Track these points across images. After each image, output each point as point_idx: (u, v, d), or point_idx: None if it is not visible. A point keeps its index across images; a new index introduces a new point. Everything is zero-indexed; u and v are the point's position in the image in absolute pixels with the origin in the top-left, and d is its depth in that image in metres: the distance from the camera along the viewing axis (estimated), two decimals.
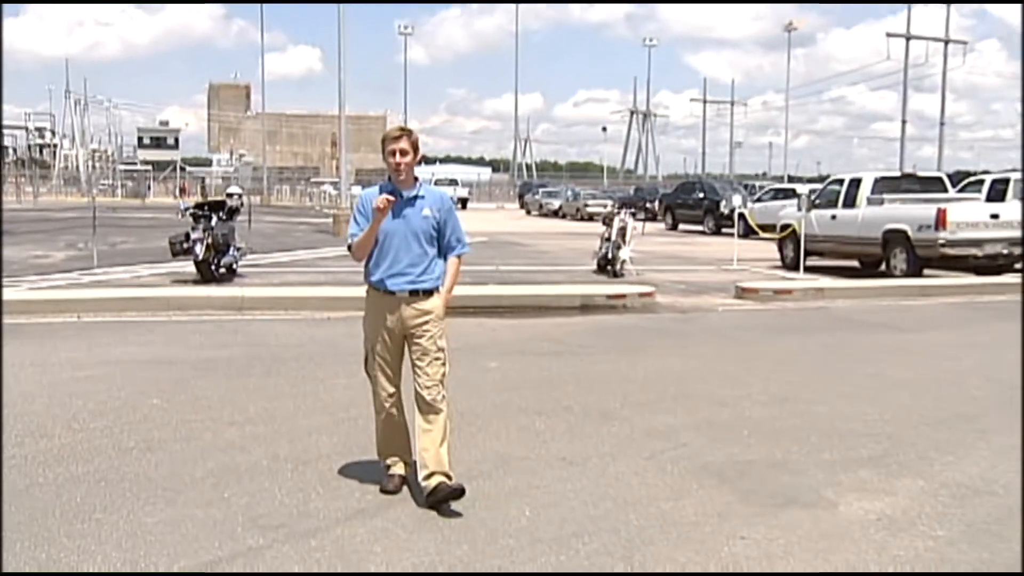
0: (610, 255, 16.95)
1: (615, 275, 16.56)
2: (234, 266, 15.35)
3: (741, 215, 22.50)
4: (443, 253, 4.98)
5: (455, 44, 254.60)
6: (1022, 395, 7.10)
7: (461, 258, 5.05)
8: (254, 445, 5.82)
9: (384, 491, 4.95)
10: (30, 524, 4.43)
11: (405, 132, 4.86)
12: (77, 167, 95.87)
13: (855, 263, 18.44)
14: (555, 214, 48.80)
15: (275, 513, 4.66)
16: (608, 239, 17.27)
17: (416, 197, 4.88)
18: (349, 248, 4.99)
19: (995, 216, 16.29)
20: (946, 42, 56.27)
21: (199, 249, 14.21)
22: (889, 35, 57.03)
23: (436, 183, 42.24)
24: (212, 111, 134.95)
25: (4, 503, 4.63)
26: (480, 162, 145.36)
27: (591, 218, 40.15)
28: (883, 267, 17.14)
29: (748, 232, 23.65)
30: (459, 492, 4.67)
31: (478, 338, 9.73)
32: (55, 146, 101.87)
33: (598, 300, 12.87)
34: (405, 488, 4.98)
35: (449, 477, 4.72)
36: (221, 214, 15.16)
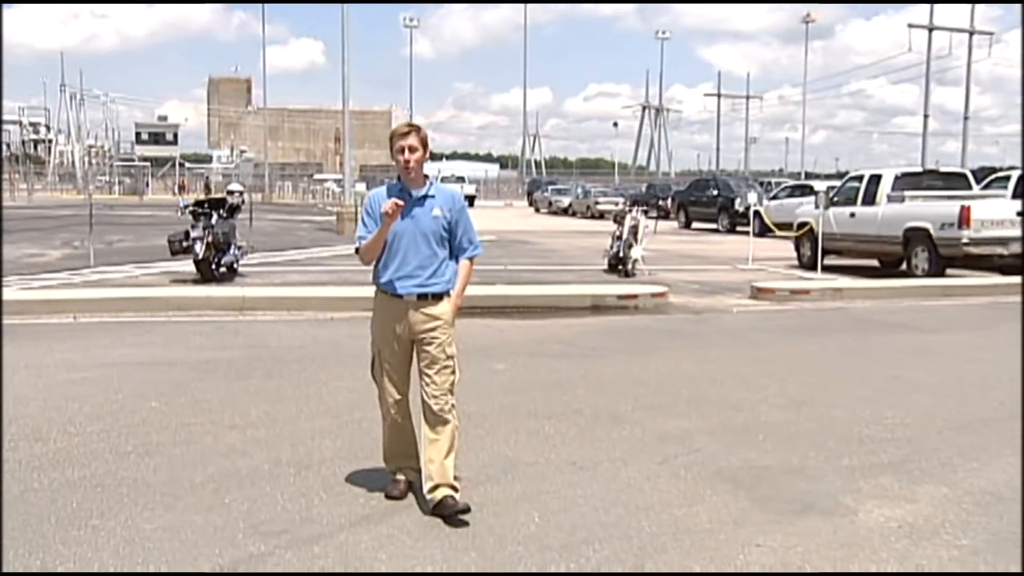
0: (621, 254, 16.95)
1: (627, 275, 16.56)
2: (235, 265, 15.39)
3: (756, 213, 22.45)
4: (454, 255, 4.91)
5: (462, 37, 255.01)
6: (1022, 398, 7.11)
7: (473, 260, 4.98)
8: (255, 449, 5.83)
9: (389, 497, 4.95)
10: (24, 530, 4.45)
11: (414, 128, 4.80)
12: (73, 163, 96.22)
13: (875, 262, 18.39)
14: (565, 212, 48.85)
15: (277, 519, 4.66)
16: (619, 238, 17.27)
17: (426, 196, 4.80)
18: (357, 251, 4.92)
19: (1021, 214, 16.22)
20: (971, 33, 56.02)
21: (199, 248, 14.24)
22: (911, 26, 56.77)
23: (442, 180, 42.35)
24: (212, 106, 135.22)
25: None
26: (488, 158, 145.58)
27: (602, 216, 40.18)
28: (904, 267, 17.08)
29: (764, 230, 23.65)
30: (463, 512, 4.62)
31: (486, 339, 9.73)
32: (50, 141, 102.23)
33: (609, 300, 12.87)
34: (411, 494, 4.98)
35: (455, 489, 4.71)
36: (221, 212, 15.19)
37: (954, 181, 18.42)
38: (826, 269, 17.48)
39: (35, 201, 50.22)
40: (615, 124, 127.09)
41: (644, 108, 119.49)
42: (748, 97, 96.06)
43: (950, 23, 57.28)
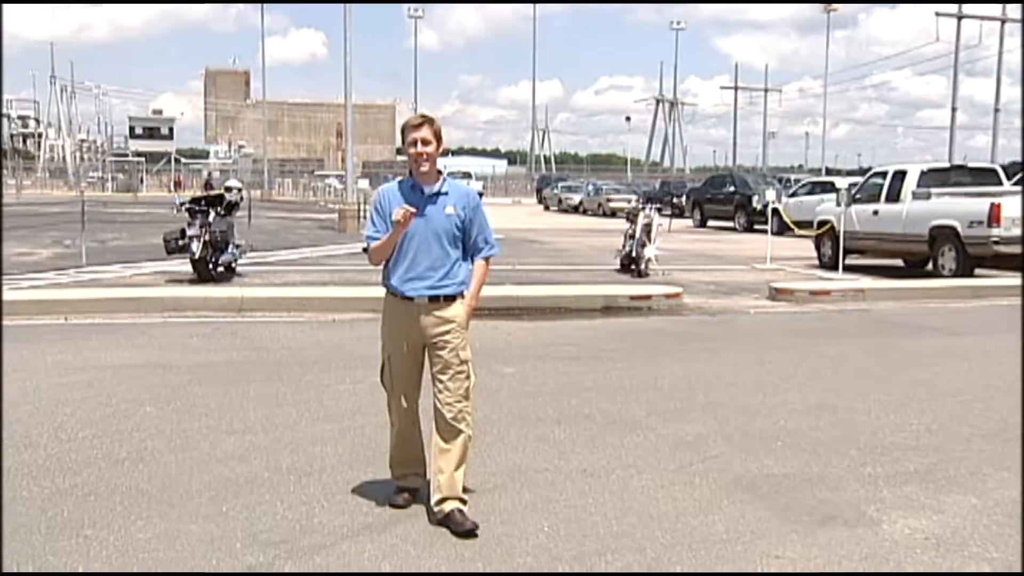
0: (634, 253, 16.96)
1: (640, 275, 16.56)
2: (233, 265, 15.43)
3: (775, 211, 22.45)
4: (469, 254, 4.86)
5: (468, 28, 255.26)
6: (1022, 401, 7.11)
7: (489, 260, 4.93)
8: (254, 456, 5.83)
9: (393, 505, 4.94)
10: (12, 540, 4.45)
11: (427, 120, 4.73)
12: (64, 158, 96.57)
13: (899, 262, 18.35)
14: (575, 210, 48.88)
15: (277, 528, 4.66)
16: (632, 236, 17.28)
17: (439, 193, 4.75)
18: (365, 250, 4.87)
19: None
20: (1002, 21, 55.73)
21: (196, 246, 14.28)
22: (939, 14, 56.50)
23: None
24: (209, 99, 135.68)
25: None
26: (495, 154, 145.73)
27: (614, 214, 40.14)
28: (930, 267, 17.04)
29: (782, 229, 23.61)
30: (471, 531, 4.57)
31: (494, 342, 9.73)
32: (39, 136, 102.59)
33: (621, 301, 12.86)
34: (416, 502, 4.98)
35: (463, 502, 4.71)
36: (219, 209, 15.22)
37: (983, 177, 18.36)
38: (848, 269, 17.44)
39: (24, 198, 50.39)
40: (628, 118, 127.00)
41: (658, 101, 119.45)
42: (766, 90, 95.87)
43: (980, 11, 56.99)
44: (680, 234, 27.18)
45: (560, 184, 57.81)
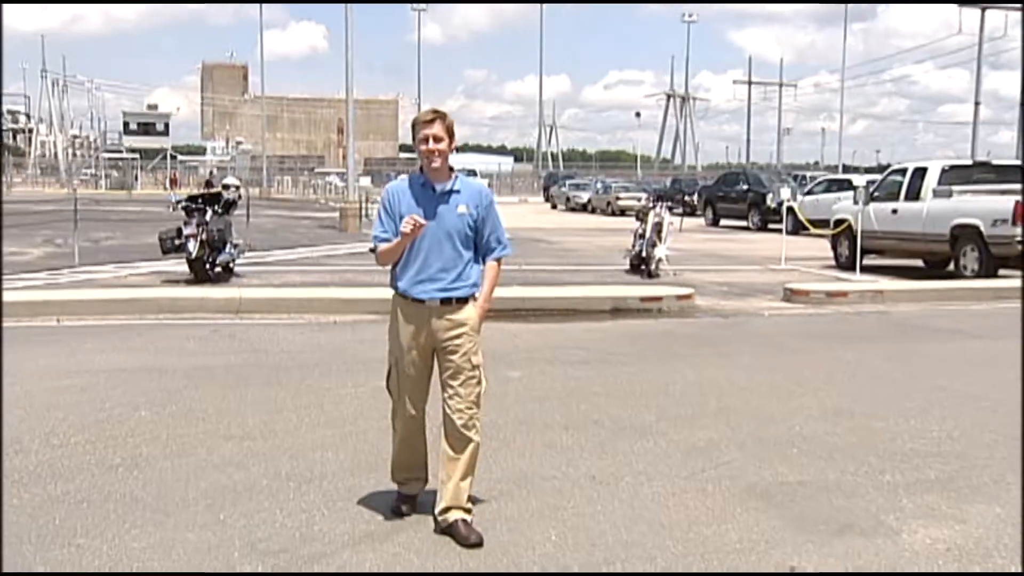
0: (644, 253, 16.95)
1: (650, 275, 16.55)
2: (231, 265, 15.45)
3: (790, 209, 22.41)
4: (481, 254, 4.84)
5: (473, 21, 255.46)
6: (1022, 407, 7.09)
7: (501, 261, 4.91)
8: (253, 462, 5.84)
9: (396, 513, 4.94)
10: (2, 549, 4.46)
11: (439, 115, 4.69)
12: (55, 155, 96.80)
13: (919, 263, 18.32)
14: (583, 208, 48.89)
15: (276, 537, 4.67)
16: (642, 236, 17.27)
17: (451, 192, 4.71)
18: (372, 251, 4.84)
19: None
20: None
21: (192, 246, 14.30)
22: (961, 3, 56.41)
23: None
24: (206, 94, 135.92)
25: None
26: (501, 151, 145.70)
27: (623, 213, 40.20)
28: (951, 267, 17.00)
29: (798, 228, 23.58)
30: (476, 545, 4.56)
31: (499, 345, 9.72)
32: (30, 131, 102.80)
33: (631, 303, 12.86)
34: (419, 510, 4.97)
35: (468, 512, 4.71)
36: (216, 208, 15.25)
37: (1008, 174, 18.26)
38: (865, 270, 17.41)
39: (14, 195, 50.45)
40: (638, 114, 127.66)
41: (669, 97, 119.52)
42: (781, 84, 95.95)
43: (1004, 1, 56.78)
44: (692, 233, 27.16)
45: (568, 182, 57.83)
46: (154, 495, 5.23)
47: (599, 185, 51.28)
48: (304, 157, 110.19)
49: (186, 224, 14.53)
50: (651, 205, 18.39)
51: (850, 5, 75.40)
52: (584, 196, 50.25)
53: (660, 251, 16.89)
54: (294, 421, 6.78)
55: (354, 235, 26.19)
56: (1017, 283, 15.24)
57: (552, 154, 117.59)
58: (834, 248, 19.38)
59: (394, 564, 4.38)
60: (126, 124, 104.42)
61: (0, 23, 26.58)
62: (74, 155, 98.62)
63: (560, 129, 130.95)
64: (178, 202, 15.48)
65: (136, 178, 75.01)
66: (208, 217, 14.75)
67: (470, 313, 4.76)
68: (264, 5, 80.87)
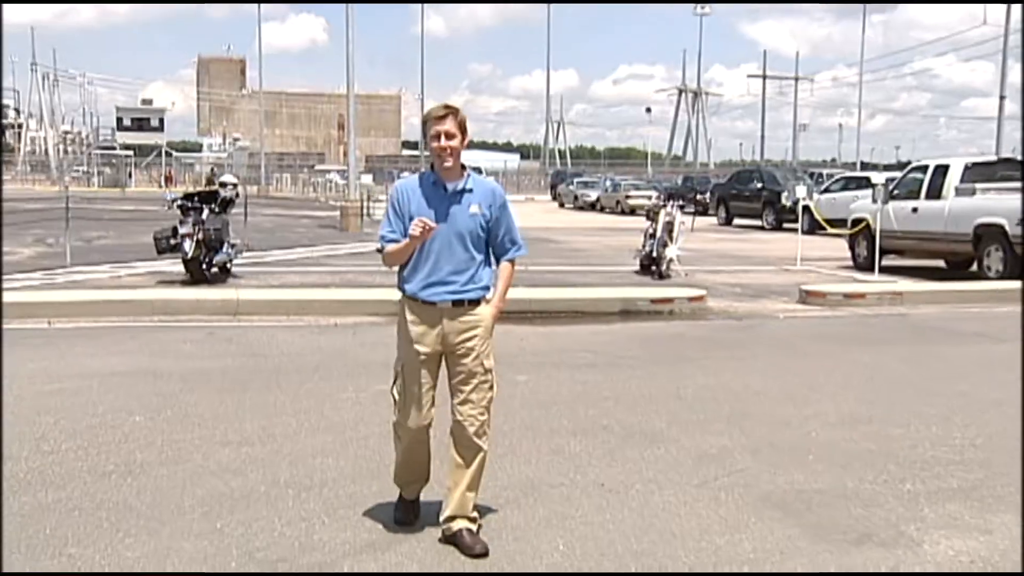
0: (655, 254, 16.95)
1: (660, 276, 16.56)
2: (228, 265, 15.48)
3: (806, 208, 22.39)
4: (496, 255, 4.82)
5: (478, 14, 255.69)
6: (1022, 411, 7.10)
7: (514, 262, 4.89)
8: (250, 468, 5.85)
9: (398, 522, 4.94)
10: None
11: (451, 111, 4.63)
12: (46, 151, 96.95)
13: (940, 263, 18.28)
14: (592, 207, 48.93)
15: (274, 546, 4.67)
16: (652, 235, 17.27)
17: (463, 191, 4.68)
18: (379, 251, 4.78)
19: None
20: None
21: (188, 246, 14.32)
22: None
23: None
24: (202, 88, 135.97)
25: None
26: (507, 148, 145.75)
27: (633, 212, 40.23)
28: (974, 268, 16.96)
29: (814, 227, 23.57)
30: (481, 555, 4.55)
31: (505, 348, 9.67)
32: (19, 127, 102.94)
33: (641, 305, 12.85)
34: (422, 517, 4.97)
35: (473, 521, 4.70)
36: (213, 206, 15.28)
37: None
38: (884, 271, 17.39)
39: (3, 193, 50.55)
40: (648, 109, 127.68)
41: (680, 92, 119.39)
42: (797, 79, 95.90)
43: None
44: (704, 233, 27.15)
45: (576, 180, 57.90)
46: (148, 503, 5.24)
47: (608, 183, 51.29)
48: (304, 154, 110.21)
49: (182, 223, 14.55)
50: (662, 204, 18.39)
51: None
52: (593, 194, 50.29)
53: (671, 251, 16.90)
54: (293, 426, 6.79)
55: (355, 235, 26.22)
56: None
57: (560, 151, 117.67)
58: (852, 248, 19.35)
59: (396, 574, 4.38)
60: (119, 120, 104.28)
61: (0, 23, 26.59)
62: (65, 152, 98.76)
63: (568, 125, 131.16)
64: (174, 200, 15.51)
65: (130, 175, 75.06)
66: (205, 216, 14.77)
67: (482, 315, 4.73)
68: None
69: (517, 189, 74.51)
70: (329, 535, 4.81)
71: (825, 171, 48.37)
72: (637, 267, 17.50)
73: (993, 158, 20.71)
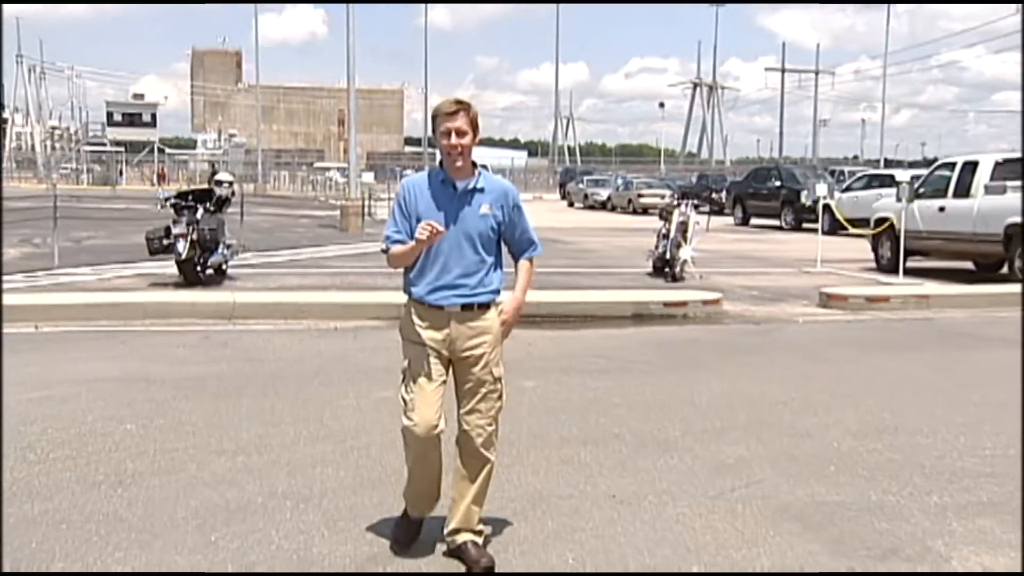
0: (668, 255, 16.94)
1: (674, 279, 16.55)
2: (224, 267, 15.50)
3: (827, 207, 22.35)
4: (513, 255, 4.81)
5: (484, 5, 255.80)
6: (1022, 414, 7.10)
7: (533, 260, 4.88)
8: (247, 479, 5.85)
9: (395, 540, 4.85)
10: None
11: (463, 106, 4.57)
12: (32, 147, 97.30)
13: (969, 265, 18.25)
14: (603, 206, 49.02)
15: (271, 560, 4.68)
16: (666, 236, 17.26)
17: (474, 190, 4.65)
18: (384, 251, 4.74)
19: None
20: None
21: (182, 246, 14.34)
22: None
23: None
24: (196, 82, 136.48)
25: None
26: (514, 144, 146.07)
27: (646, 211, 40.29)
28: (1004, 270, 16.92)
29: (835, 227, 23.52)
30: (488, 570, 4.54)
31: (512, 353, 9.65)
32: (5, 121, 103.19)
33: (654, 308, 12.84)
34: (427, 529, 4.96)
35: (478, 534, 4.70)
36: (208, 205, 15.30)
37: None
38: (909, 273, 17.36)
39: (3, 193, 50.73)
40: (661, 104, 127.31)
41: (695, 86, 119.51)
42: (817, 72, 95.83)
43: None
44: (720, 233, 27.12)
45: (586, 178, 58.00)
46: (140, 515, 5.24)
47: (620, 181, 51.36)
48: (302, 151, 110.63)
49: (175, 223, 14.56)
50: (676, 203, 18.40)
51: None
52: (603, 193, 50.35)
53: (685, 252, 16.88)
54: (291, 435, 6.79)
55: (356, 235, 26.25)
56: None
57: (569, 148, 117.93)
58: (875, 249, 19.32)
59: None
60: (110, 115, 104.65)
61: (0, 23, 26.70)
62: (53, 148, 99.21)
63: (578, 121, 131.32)
64: (167, 199, 15.52)
65: (121, 173, 75.31)
66: (199, 215, 14.78)
67: (492, 320, 4.69)
68: None
69: (525, 187, 74.58)
70: (329, 548, 4.81)
71: (847, 168, 48.25)
72: (650, 269, 17.50)
73: None
